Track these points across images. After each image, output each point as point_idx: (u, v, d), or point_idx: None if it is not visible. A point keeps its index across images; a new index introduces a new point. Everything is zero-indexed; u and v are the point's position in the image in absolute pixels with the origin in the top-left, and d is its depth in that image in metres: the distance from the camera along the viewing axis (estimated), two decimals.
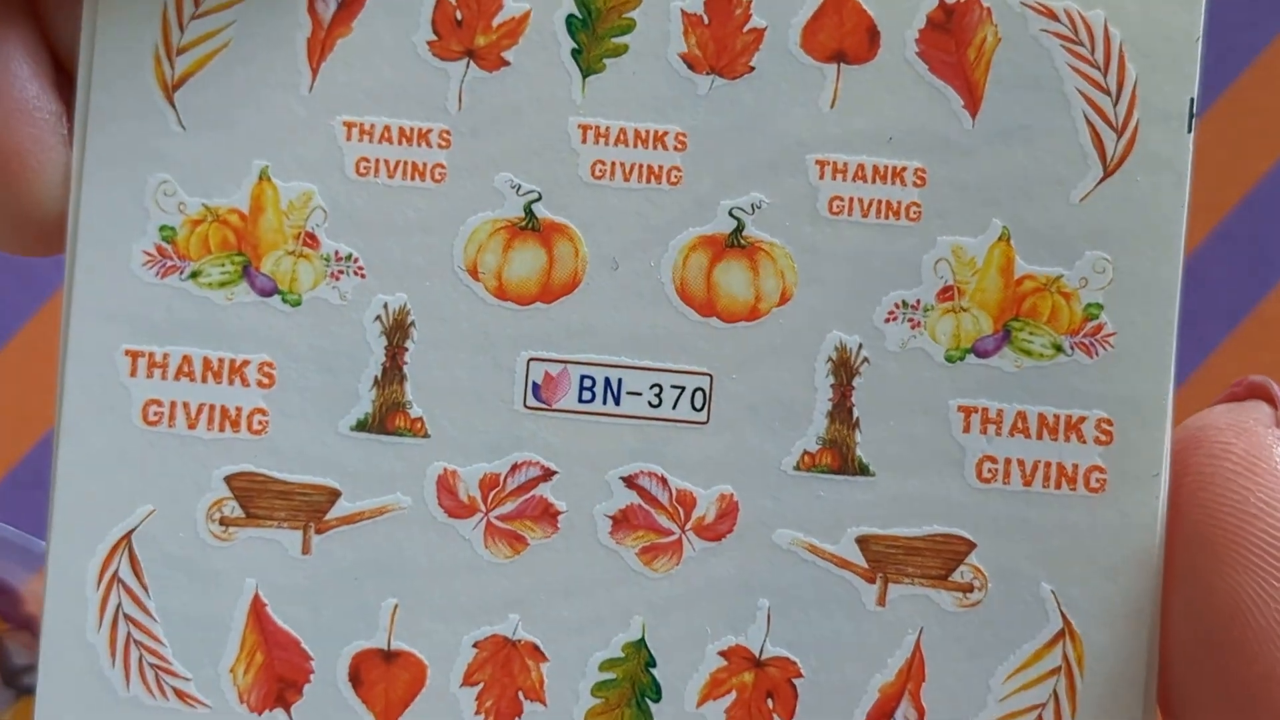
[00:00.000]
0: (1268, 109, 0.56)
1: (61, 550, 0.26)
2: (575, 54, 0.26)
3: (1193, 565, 0.25)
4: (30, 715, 0.42)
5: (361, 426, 0.26)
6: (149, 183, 0.26)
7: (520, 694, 0.26)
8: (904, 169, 0.26)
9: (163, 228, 0.26)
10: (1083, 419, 0.25)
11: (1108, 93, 0.25)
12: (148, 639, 0.26)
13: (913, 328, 0.26)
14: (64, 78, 0.26)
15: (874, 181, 0.26)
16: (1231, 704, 0.24)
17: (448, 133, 0.26)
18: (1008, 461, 0.26)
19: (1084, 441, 0.25)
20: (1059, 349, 0.26)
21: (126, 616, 0.26)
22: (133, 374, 0.26)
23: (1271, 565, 0.24)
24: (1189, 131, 0.25)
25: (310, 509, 0.26)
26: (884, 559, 0.26)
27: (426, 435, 0.26)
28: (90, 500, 0.26)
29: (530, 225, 0.26)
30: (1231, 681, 0.24)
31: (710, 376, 0.26)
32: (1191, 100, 0.25)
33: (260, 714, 0.26)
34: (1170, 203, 0.25)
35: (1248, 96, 0.56)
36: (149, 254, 0.26)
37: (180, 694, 0.26)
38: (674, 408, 0.26)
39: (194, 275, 0.26)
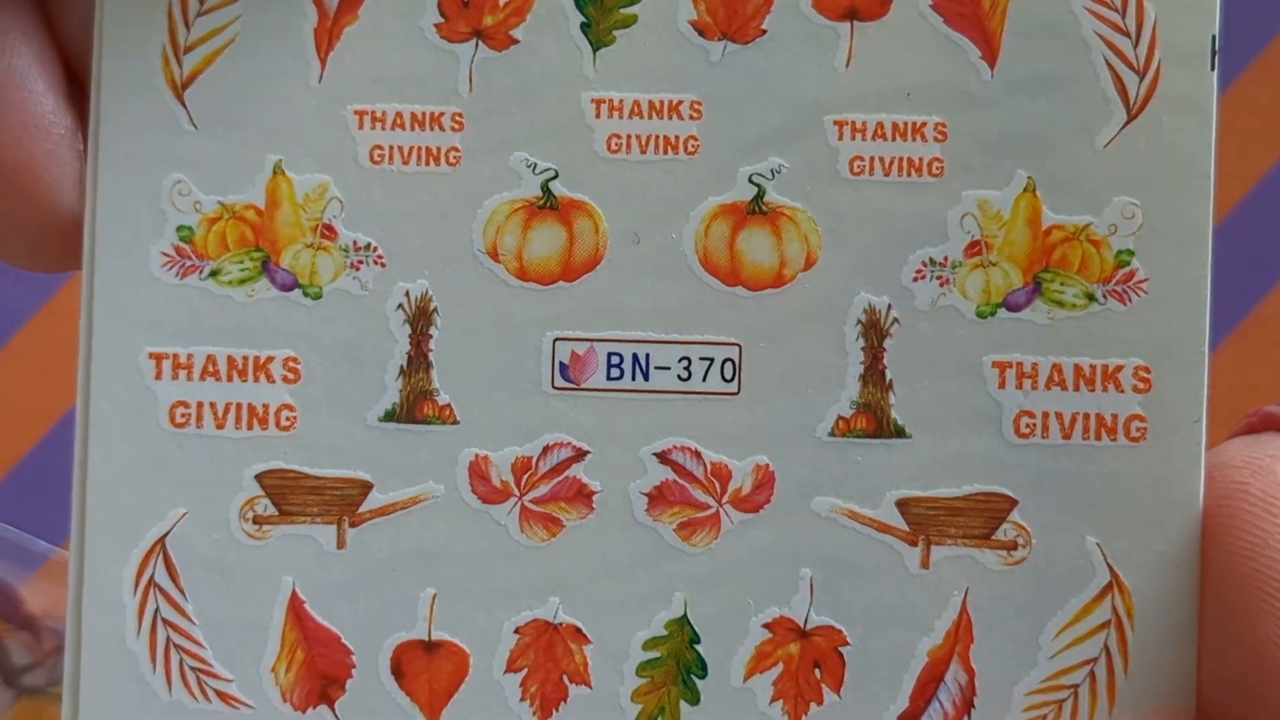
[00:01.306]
0: (1268, 109, 0.56)
1: (96, 558, 0.26)
2: (584, 28, 0.26)
3: (1218, 607, 0.25)
4: (30, 715, 0.42)
5: (390, 417, 0.26)
6: (164, 184, 0.26)
7: (564, 677, 0.26)
8: (924, 125, 0.25)
9: (180, 228, 0.26)
10: (1119, 368, 0.25)
11: (1127, 34, 0.25)
12: (187, 643, 0.26)
13: (942, 285, 0.25)
14: (78, 91, 0.26)
15: (894, 139, 0.25)
16: None
17: (460, 115, 0.26)
18: (1045, 415, 0.25)
19: (1122, 390, 0.25)
20: (1091, 298, 0.25)
21: (165, 621, 0.26)
22: (158, 377, 0.26)
23: None
24: (1212, 69, 0.25)
25: (343, 503, 0.26)
26: (925, 521, 0.25)
27: (456, 422, 0.26)
28: (122, 506, 0.26)
29: (548, 204, 0.26)
30: (1265, 717, 0.24)
31: (739, 346, 0.26)
32: (1213, 37, 0.25)
33: (304, 712, 0.26)
34: (1197, 143, 0.25)
35: (1248, 96, 0.56)
36: (167, 255, 0.26)
37: (223, 696, 0.26)
38: (704, 380, 0.26)
39: (213, 274, 0.26)
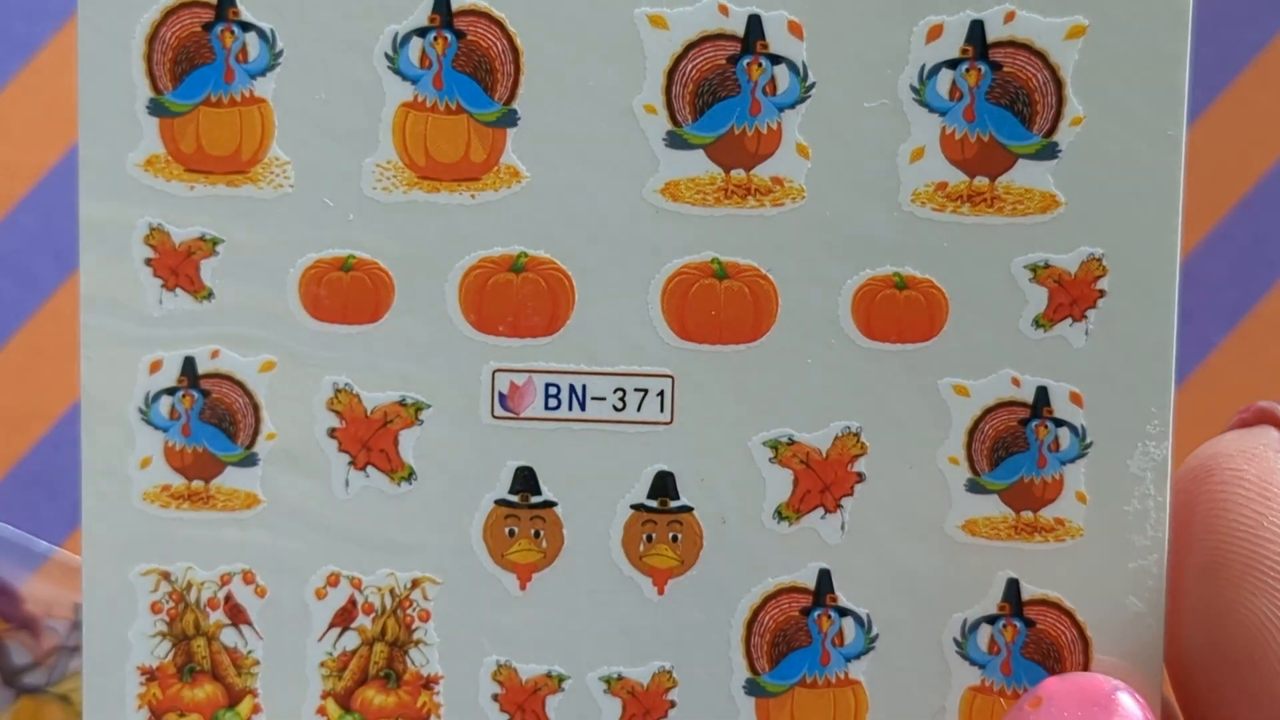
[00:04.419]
0: (1268, 109, 0.56)
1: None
2: None
3: (1210, 589, 0.26)
4: (30, 715, 0.43)
5: None
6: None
7: None
8: None
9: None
10: None
11: None
12: None
13: None
14: None
15: None
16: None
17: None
18: None
19: None
20: None
21: None
22: None
23: None
24: None
25: None
26: None
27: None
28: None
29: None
30: (1254, 700, 0.25)
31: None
32: None
33: None
34: None
35: (1248, 96, 0.56)
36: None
37: None
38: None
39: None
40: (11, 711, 0.44)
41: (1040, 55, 0.26)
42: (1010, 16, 0.26)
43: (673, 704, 0.28)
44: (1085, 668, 0.27)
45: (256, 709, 0.28)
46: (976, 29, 0.26)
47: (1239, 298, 0.56)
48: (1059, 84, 0.26)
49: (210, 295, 0.27)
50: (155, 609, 0.28)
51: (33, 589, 0.45)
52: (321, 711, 0.28)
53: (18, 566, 0.45)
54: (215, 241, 0.27)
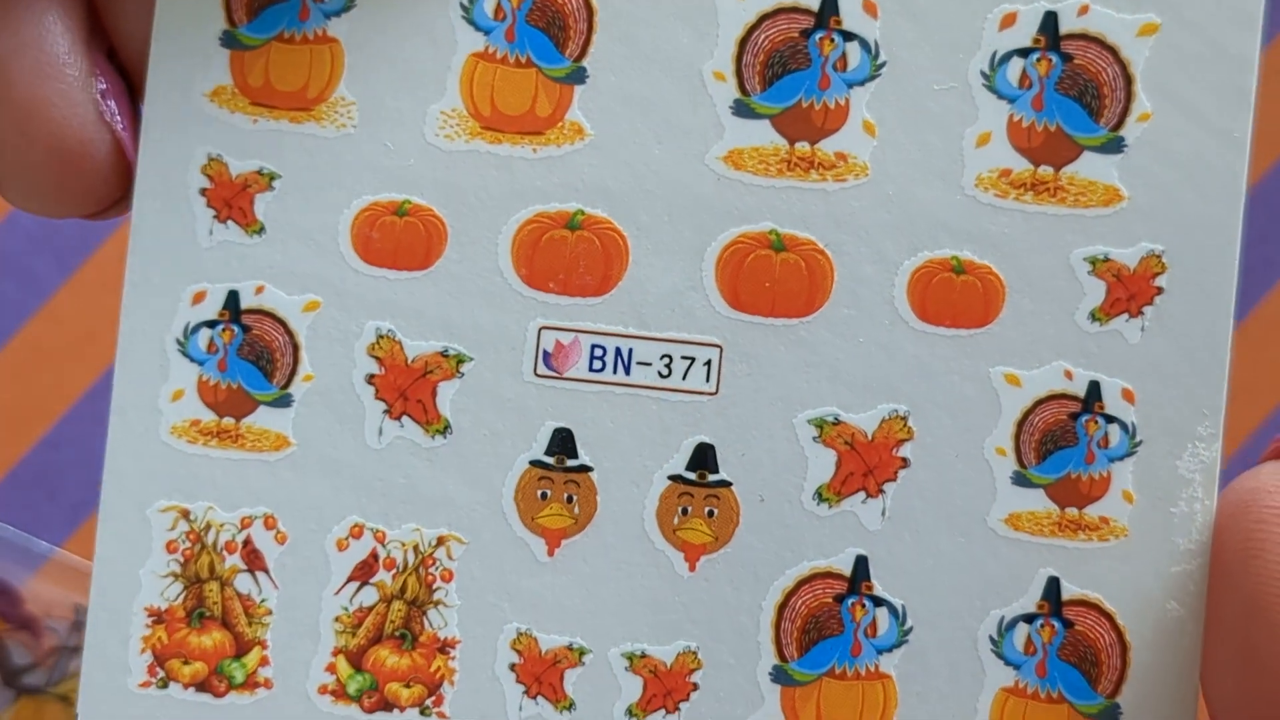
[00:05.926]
0: (1268, 109, 0.57)
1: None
2: None
3: (1244, 631, 0.25)
4: (30, 715, 0.42)
5: None
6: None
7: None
8: None
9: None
10: None
11: None
12: None
13: None
14: (99, 38, 0.27)
15: None
16: None
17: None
18: None
19: None
20: None
21: None
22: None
23: None
24: None
25: None
26: None
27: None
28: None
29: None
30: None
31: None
32: None
33: None
34: None
35: None
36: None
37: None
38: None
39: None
40: (11, 711, 0.43)
41: (1112, 50, 0.27)
42: (1084, 10, 0.27)
43: (695, 686, 0.27)
44: (1123, 672, 0.26)
45: (264, 661, 0.27)
46: (1050, 20, 0.27)
47: (1239, 298, 0.56)
48: (1128, 79, 0.27)
49: (262, 230, 0.27)
50: (170, 548, 0.27)
51: (33, 589, 0.44)
52: (331, 669, 0.27)
53: (18, 566, 0.45)
54: (272, 176, 0.27)
